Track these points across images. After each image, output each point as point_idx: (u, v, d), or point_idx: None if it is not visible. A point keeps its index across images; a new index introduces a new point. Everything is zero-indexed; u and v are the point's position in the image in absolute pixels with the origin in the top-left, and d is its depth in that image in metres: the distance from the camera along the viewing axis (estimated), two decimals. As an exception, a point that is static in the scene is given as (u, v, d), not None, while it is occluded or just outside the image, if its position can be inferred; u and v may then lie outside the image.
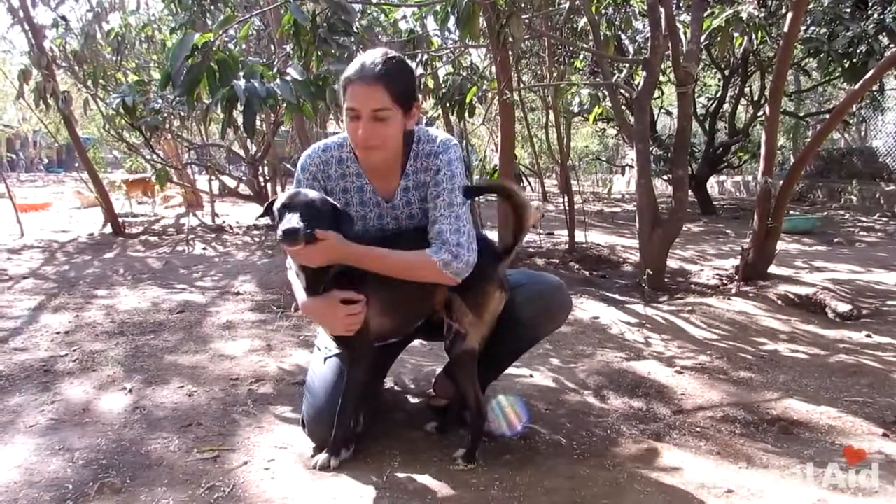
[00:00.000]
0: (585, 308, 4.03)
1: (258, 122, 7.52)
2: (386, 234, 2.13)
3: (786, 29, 4.43)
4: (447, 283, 1.99)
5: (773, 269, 4.74)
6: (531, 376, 2.87)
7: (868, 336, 3.49)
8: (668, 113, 12.35)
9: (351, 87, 1.95)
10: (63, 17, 7.10)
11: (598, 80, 6.26)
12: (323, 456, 2.02)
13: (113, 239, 6.95)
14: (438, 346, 3.04)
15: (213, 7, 6.12)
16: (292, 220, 1.80)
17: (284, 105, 3.40)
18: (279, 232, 1.80)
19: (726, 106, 10.82)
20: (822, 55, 6.87)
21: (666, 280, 4.62)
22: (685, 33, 4.68)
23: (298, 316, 3.80)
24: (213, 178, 8.59)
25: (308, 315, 2.07)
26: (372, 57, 1.96)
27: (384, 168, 2.10)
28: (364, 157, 2.05)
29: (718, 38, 4.71)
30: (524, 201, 2.09)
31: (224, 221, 8.55)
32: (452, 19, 3.77)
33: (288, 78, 3.18)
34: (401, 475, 1.97)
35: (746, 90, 10.52)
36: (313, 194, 1.91)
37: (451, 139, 2.11)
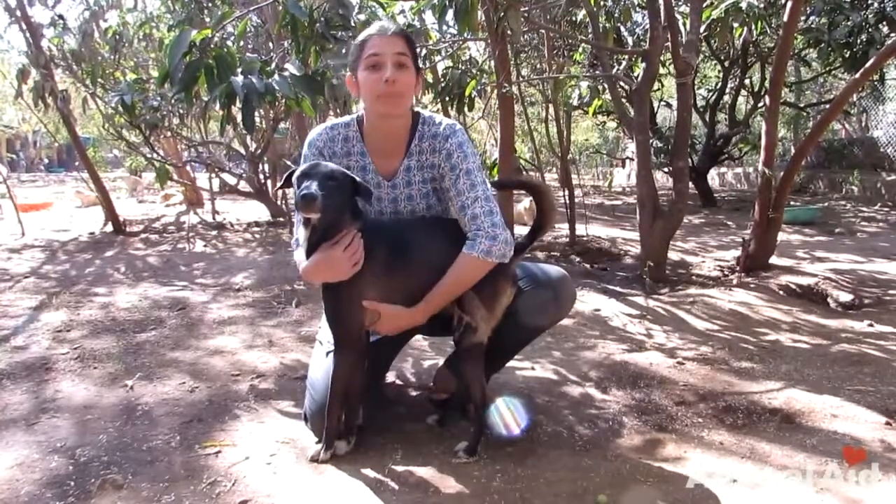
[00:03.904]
0: (586, 300, 4.02)
1: (257, 119, 7.52)
2: (404, 220, 2.15)
3: (785, 19, 4.41)
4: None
5: (774, 259, 4.73)
6: (533, 369, 2.87)
7: (870, 325, 3.48)
8: (669, 105, 12.32)
9: (371, 40, 2.02)
10: (60, 16, 7.08)
11: (597, 72, 6.23)
12: (316, 448, 2.03)
13: (113, 237, 6.94)
14: (440, 341, 3.05)
15: (210, 4, 6.11)
16: (311, 188, 1.83)
17: (284, 101, 3.39)
18: (297, 197, 1.83)
19: (726, 97, 10.81)
20: (822, 45, 6.88)
21: (667, 272, 4.62)
22: (684, 24, 4.66)
23: (300, 314, 3.80)
24: (213, 175, 8.58)
25: (312, 277, 2.00)
26: (384, 23, 2.09)
27: (390, 144, 2.12)
28: (385, 108, 2.04)
29: (718, 29, 4.69)
30: (552, 203, 2.09)
31: (224, 219, 8.54)
32: (450, 12, 3.75)
33: (286, 73, 3.17)
34: (402, 468, 1.96)
35: (746, 81, 10.50)
36: (332, 166, 1.93)
37: (457, 123, 2.14)
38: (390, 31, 2.02)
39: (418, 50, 5.33)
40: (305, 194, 1.82)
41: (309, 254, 1.96)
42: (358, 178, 1.94)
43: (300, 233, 1.98)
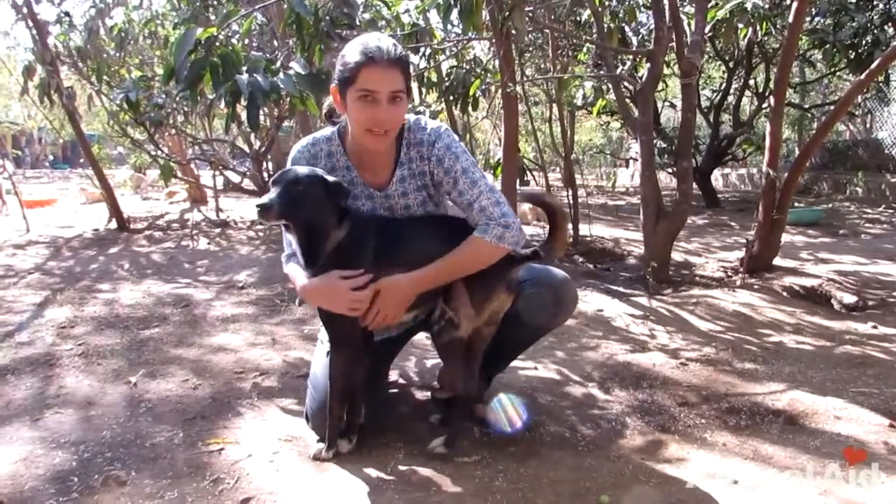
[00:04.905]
0: (590, 301, 4.02)
1: (262, 118, 7.52)
2: (397, 217, 2.11)
3: (790, 19, 4.40)
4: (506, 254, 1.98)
5: (777, 260, 4.72)
6: (536, 369, 2.87)
7: (874, 327, 3.47)
8: (673, 105, 12.31)
9: (369, 70, 1.88)
10: (66, 13, 7.10)
11: (601, 72, 6.23)
12: (319, 447, 2.03)
13: (117, 234, 6.96)
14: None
15: (215, 2, 6.12)
16: (270, 195, 1.85)
17: (289, 99, 3.39)
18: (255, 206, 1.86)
19: (731, 98, 10.79)
20: (827, 46, 6.86)
21: (670, 272, 4.61)
22: (689, 24, 4.65)
23: (303, 312, 3.80)
24: (217, 173, 8.59)
25: (308, 298, 2.05)
26: (383, 40, 1.94)
27: (377, 159, 2.08)
28: (373, 145, 1.99)
29: (723, 30, 4.69)
30: (565, 230, 2.06)
31: (228, 216, 8.55)
32: (455, 12, 3.75)
33: (291, 72, 3.17)
34: (404, 467, 1.97)
35: (751, 82, 10.47)
36: (301, 170, 1.92)
37: (441, 125, 2.09)
38: (391, 59, 1.89)
39: (423, 50, 5.33)
40: (259, 204, 1.83)
41: (307, 260, 1.96)
42: (330, 179, 1.91)
43: (290, 240, 2.02)
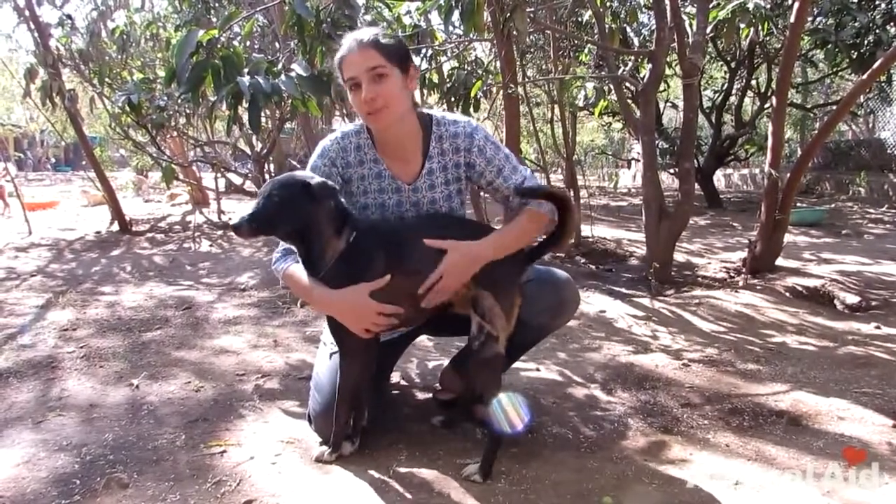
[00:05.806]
0: (592, 302, 4.01)
1: (263, 119, 7.52)
2: (401, 220, 2.09)
3: (792, 19, 4.39)
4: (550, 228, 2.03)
5: (780, 261, 4.71)
6: (538, 370, 2.87)
7: (877, 327, 3.47)
8: (674, 106, 12.27)
9: (345, 61, 1.98)
10: (68, 16, 7.12)
11: (603, 73, 6.22)
12: (322, 449, 2.02)
13: (119, 236, 6.97)
14: (444, 341, 3.05)
15: (216, 4, 6.13)
16: (243, 213, 1.87)
17: (290, 101, 3.39)
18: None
19: (733, 98, 10.77)
20: (829, 46, 6.84)
21: (673, 273, 4.60)
22: (691, 25, 4.64)
23: (305, 314, 3.80)
24: (218, 175, 8.60)
25: (325, 309, 2.00)
26: (357, 32, 2.02)
27: (402, 149, 2.09)
28: (375, 125, 2.02)
29: (724, 30, 4.68)
30: (574, 223, 2.02)
31: (230, 218, 8.54)
32: (456, 13, 3.75)
33: (292, 74, 3.17)
34: (407, 469, 1.96)
35: (753, 82, 10.45)
36: (282, 179, 1.92)
37: (472, 120, 2.16)
38: (359, 45, 1.95)
39: (424, 50, 5.32)
40: (231, 226, 1.84)
41: (308, 270, 1.94)
42: (314, 181, 1.86)
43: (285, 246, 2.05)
